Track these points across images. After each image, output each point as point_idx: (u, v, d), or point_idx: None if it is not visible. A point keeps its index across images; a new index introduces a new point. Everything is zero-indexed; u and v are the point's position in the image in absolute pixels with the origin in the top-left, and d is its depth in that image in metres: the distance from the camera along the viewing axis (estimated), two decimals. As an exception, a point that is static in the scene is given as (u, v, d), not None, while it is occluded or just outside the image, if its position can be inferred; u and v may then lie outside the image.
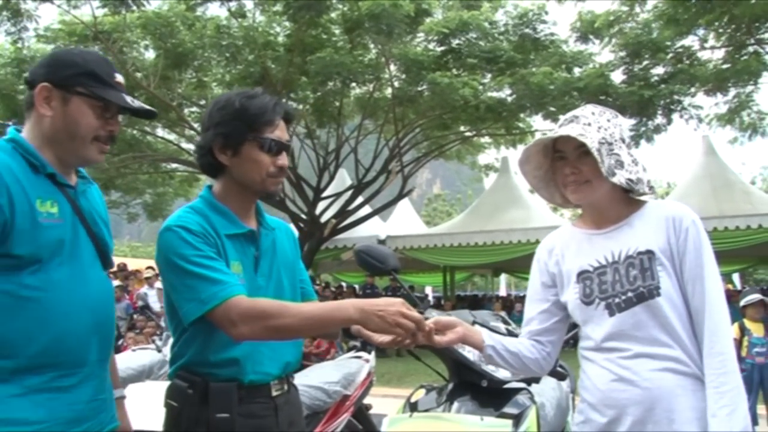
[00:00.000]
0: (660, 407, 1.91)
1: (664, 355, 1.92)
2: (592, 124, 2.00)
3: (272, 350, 2.08)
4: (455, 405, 2.64)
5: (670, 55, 14.75)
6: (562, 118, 2.10)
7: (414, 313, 1.85)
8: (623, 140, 2.03)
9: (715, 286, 1.94)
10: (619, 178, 1.97)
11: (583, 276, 2.05)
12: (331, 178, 17.52)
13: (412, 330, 1.84)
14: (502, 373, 2.70)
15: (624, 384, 1.94)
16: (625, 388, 1.93)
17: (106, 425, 1.87)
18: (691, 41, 15.13)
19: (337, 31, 15.28)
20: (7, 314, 1.65)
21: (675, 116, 15.11)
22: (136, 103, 1.92)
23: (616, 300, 1.98)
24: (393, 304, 1.84)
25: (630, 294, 1.96)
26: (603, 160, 1.95)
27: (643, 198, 2.09)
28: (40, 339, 1.69)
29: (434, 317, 2.04)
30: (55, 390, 1.71)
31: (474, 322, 2.76)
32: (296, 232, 16.10)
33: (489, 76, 15.24)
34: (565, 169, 2.03)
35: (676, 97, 14.60)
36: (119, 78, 1.91)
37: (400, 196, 17.88)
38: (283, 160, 2.11)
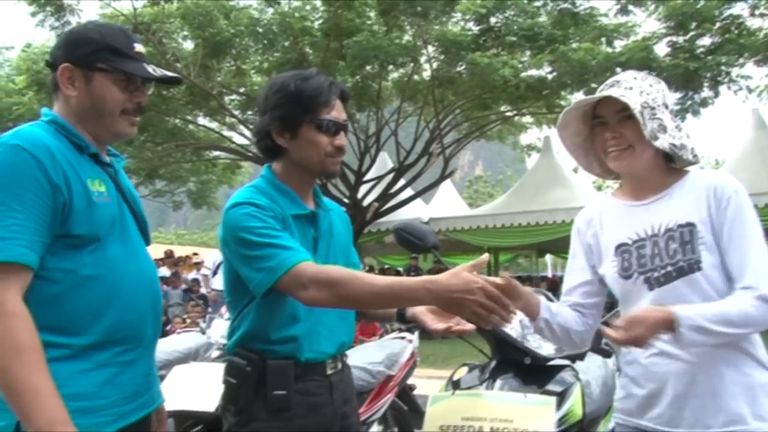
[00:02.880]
0: (701, 381, 1.86)
1: None
2: (634, 88, 1.94)
3: (329, 330, 2.12)
4: (498, 383, 2.62)
5: (717, 25, 14.29)
6: (603, 84, 2.03)
7: (494, 294, 1.71)
8: (666, 106, 1.96)
9: (760, 258, 1.84)
10: (662, 142, 1.90)
11: (621, 249, 2.00)
12: (372, 162, 17.51)
13: (494, 311, 1.72)
14: (545, 350, 2.67)
15: (665, 358, 1.89)
16: (666, 361, 1.89)
17: (155, 400, 1.94)
18: (740, 9, 14.63)
19: (372, 14, 15.20)
20: (72, 293, 1.70)
21: (722, 88, 14.62)
22: (158, 72, 1.89)
23: (655, 274, 1.93)
24: (472, 292, 1.70)
25: (670, 268, 1.90)
26: (645, 123, 1.89)
27: (686, 168, 2.01)
28: (106, 315, 1.74)
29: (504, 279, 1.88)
30: (120, 365, 1.76)
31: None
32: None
33: (528, 53, 15.01)
34: (606, 134, 1.96)
35: (723, 68, 14.14)
36: (139, 48, 1.89)
37: (442, 178, 17.80)
38: (341, 139, 2.14)
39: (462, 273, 1.72)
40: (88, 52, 1.81)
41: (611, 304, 2.22)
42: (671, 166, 2.01)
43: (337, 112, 2.11)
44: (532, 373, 2.66)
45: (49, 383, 1.57)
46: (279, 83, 2.13)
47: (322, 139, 2.09)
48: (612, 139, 1.95)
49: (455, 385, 2.72)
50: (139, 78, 1.86)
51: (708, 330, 1.76)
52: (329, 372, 2.13)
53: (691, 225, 1.90)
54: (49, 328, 1.65)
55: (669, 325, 1.76)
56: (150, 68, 1.86)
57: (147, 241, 1.98)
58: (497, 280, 1.80)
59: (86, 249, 1.73)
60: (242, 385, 2.05)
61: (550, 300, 2.92)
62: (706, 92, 14.80)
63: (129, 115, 1.86)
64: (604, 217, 2.09)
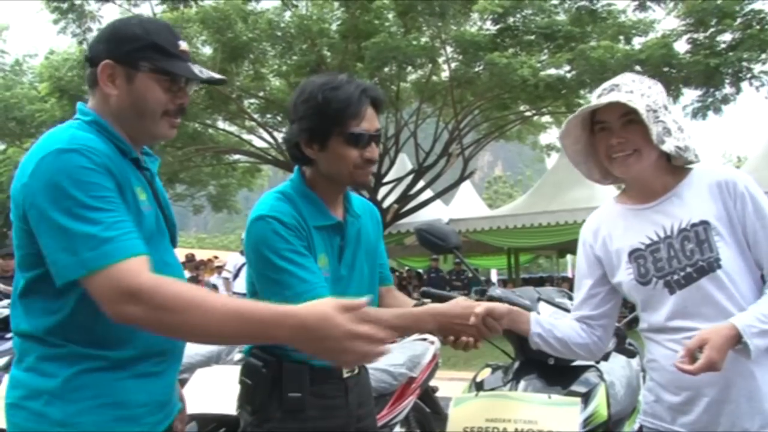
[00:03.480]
0: (736, 385, 1.82)
1: None
2: (635, 92, 1.89)
3: None
4: (522, 383, 2.59)
5: (738, 20, 14.12)
6: (599, 88, 1.98)
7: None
8: (666, 107, 1.92)
9: None
10: (669, 145, 1.86)
11: (635, 255, 1.95)
12: (392, 164, 17.51)
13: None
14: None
15: None
16: None
17: (176, 406, 1.90)
18: (761, 4, 14.45)
19: (390, 16, 15.22)
20: None
21: (744, 85, 14.48)
22: (205, 73, 1.77)
23: (675, 277, 1.88)
24: (468, 320, 1.91)
25: (689, 269, 1.86)
26: (651, 128, 1.84)
27: (687, 165, 1.96)
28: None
29: (484, 306, 1.97)
30: (153, 375, 1.70)
31: (539, 299, 2.72)
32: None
33: (547, 52, 14.94)
34: (611, 139, 1.91)
35: (745, 64, 13.98)
36: (184, 45, 1.77)
37: (462, 179, 17.76)
38: (372, 151, 2.06)
39: (462, 301, 1.86)
40: (131, 50, 1.69)
41: (631, 307, 2.19)
42: (673, 165, 1.96)
43: (368, 123, 2.03)
44: (556, 373, 2.63)
45: (241, 303, 1.49)
46: (308, 92, 2.04)
47: (352, 152, 2.01)
48: (618, 145, 1.90)
49: (478, 386, 2.70)
50: (183, 78, 1.75)
51: None
52: (345, 375, 2.13)
53: (705, 223, 1.86)
54: (86, 342, 1.59)
55: (735, 340, 1.72)
56: (196, 69, 1.76)
57: (174, 245, 1.91)
58: (475, 313, 1.91)
59: None
60: (257, 386, 2.08)
61: (571, 299, 2.90)
62: (727, 89, 14.66)
63: (170, 116, 1.75)
64: (611, 225, 2.05)
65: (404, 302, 2.35)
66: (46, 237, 1.51)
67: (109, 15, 15.38)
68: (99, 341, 1.60)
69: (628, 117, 1.88)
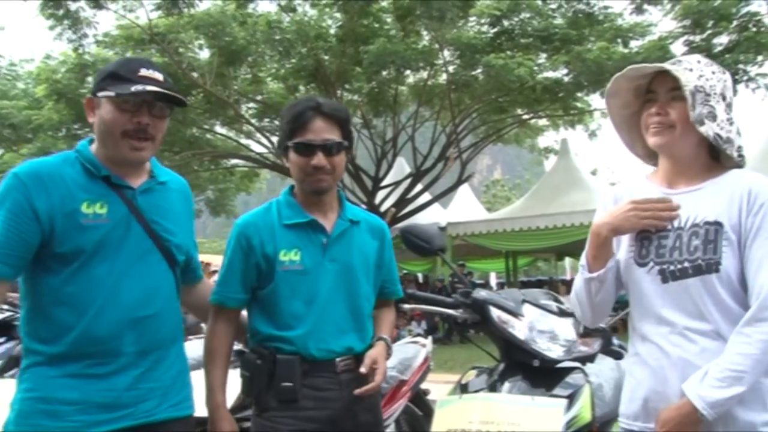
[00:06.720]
0: None
1: (716, 333, 1.80)
2: (694, 70, 1.89)
3: (338, 329, 2.30)
4: (506, 385, 2.58)
5: (735, 22, 14.14)
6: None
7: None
8: (723, 97, 1.90)
9: None
10: (707, 129, 1.84)
11: (642, 236, 1.94)
12: (390, 167, 17.54)
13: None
14: (554, 353, 2.62)
15: (672, 361, 1.84)
16: (673, 364, 1.83)
17: (156, 414, 1.99)
18: (757, 6, 14.47)
19: (389, 20, 15.24)
20: (52, 306, 1.89)
21: (740, 87, 14.49)
22: (149, 88, 1.93)
23: (671, 267, 1.86)
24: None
25: (687, 264, 1.84)
26: (694, 106, 1.83)
27: (727, 165, 1.92)
28: (74, 330, 1.88)
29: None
30: (89, 377, 1.88)
31: (524, 300, 2.70)
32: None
33: (544, 55, 14.95)
34: (652, 108, 1.90)
35: (741, 66, 13.99)
36: (146, 72, 1.97)
37: (459, 182, 17.77)
38: (318, 159, 2.25)
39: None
40: (97, 82, 1.99)
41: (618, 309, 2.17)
42: (713, 162, 1.93)
43: (312, 134, 2.24)
44: (540, 375, 2.61)
45: None
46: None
47: (300, 160, 2.27)
48: (656, 115, 1.89)
49: (463, 388, 2.69)
50: (134, 99, 1.93)
51: (732, 377, 1.73)
52: (339, 370, 2.28)
53: (718, 224, 1.83)
54: (33, 336, 1.90)
55: (691, 410, 1.76)
56: (136, 87, 1.92)
57: (171, 261, 2.06)
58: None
59: (71, 267, 1.88)
60: (254, 377, 2.26)
61: (560, 303, 2.89)
62: (724, 91, 14.61)
63: (130, 138, 1.94)
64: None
65: (381, 323, 2.52)
66: None
67: (105, 21, 15.42)
68: (40, 336, 1.89)
69: (676, 92, 1.87)
